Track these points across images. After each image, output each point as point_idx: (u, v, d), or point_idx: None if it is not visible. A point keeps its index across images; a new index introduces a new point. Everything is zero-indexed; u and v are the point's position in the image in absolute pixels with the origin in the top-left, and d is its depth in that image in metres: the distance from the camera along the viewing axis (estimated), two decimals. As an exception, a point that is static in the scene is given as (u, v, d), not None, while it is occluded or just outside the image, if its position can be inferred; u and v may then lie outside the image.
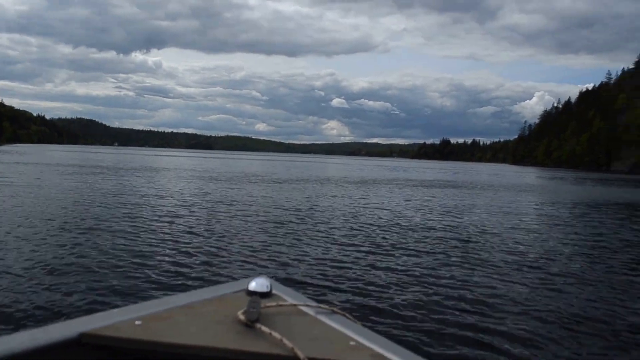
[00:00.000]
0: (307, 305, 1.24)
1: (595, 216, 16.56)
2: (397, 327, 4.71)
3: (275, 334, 1.04)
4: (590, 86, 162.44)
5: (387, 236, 10.13)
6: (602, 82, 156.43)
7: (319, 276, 6.50)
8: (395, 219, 13.11)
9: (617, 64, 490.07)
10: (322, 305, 1.24)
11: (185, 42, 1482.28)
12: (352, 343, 1.05)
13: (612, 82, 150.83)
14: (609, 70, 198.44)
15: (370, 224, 11.81)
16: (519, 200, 22.19)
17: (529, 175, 65.41)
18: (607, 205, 21.70)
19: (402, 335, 4.49)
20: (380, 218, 13.12)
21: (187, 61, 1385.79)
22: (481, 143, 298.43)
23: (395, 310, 5.20)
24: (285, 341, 1.01)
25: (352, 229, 10.97)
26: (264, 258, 7.47)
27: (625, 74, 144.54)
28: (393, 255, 8.23)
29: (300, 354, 0.96)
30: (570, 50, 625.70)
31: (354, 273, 6.78)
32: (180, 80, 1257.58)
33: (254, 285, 1.30)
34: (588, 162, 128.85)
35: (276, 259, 7.49)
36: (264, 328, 1.07)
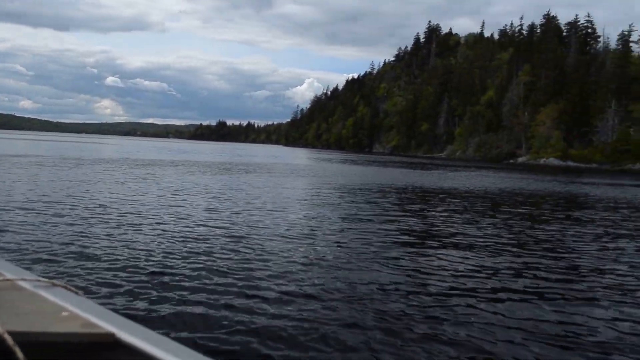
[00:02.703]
0: (24, 280, 1.19)
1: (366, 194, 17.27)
2: (127, 298, 4.85)
3: None
4: (355, 75, 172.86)
5: (145, 216, 9.81)
6: (366, 72, 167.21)
7: (58, 253, 6.48)
8: (159, 200, 12.78)
9: (379, 57, 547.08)
10: (41, 279, 1.20)
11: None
12: (64, 314, 1.03)
13: (375, 72, 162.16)
14: (372, 62, 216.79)
15: (131, 205, 11.39)
16: (295, 182, 21.88)
17: (305, 155, 71.44)
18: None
19: (132, 302, 4.73)
20: (143, 200, 12.61)
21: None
22: (256, 125, 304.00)
23: (131, 286, 5.28)
24: None
25: (113, 210, 10.33)
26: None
27: (387, 66, 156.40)
28: (143, 233, 8.24)
29: (0, 329, 0.91)
30: (338, 41, 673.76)
31: (96, 249, 6.79)
32: None
33: None
34: (353, 144, 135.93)
35: (12, 236, 7.33)
36: None
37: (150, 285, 5.36)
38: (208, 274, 5.91)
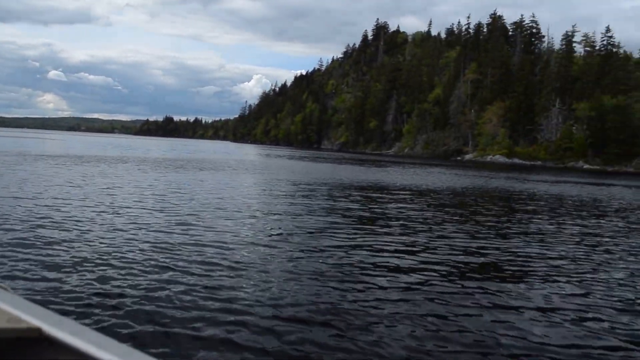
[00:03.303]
0: None
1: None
2: (60, 295, 4.73)
3: None
4: (304, 72, 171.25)
5: (93, 218, 9.23)
6: (314, 68, 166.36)
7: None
8: (108, 200, 11.88)
9: (327, 54, 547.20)
10: None
11: None
12: None
13: (323, 69, 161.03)
14: (320, 58, 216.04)
15: (77, 204, 10.83)
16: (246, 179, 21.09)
17: (255, 151, 71.04)
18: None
19: (65, 299, 4.59)
20: (91, 200, 11.79)
21: None
22: (204, 121, 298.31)
23: (72, 289, 5.06)
24: None
25: (57, 212, 9.52)
26: None
27: (335, 63, 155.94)
28: (89, 234, 7.77)
29: None
30: (286, 38, 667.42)
31: (37, 251, 6.43)
32: None
33: None
34: (301, 140, 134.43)
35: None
36: None
37: (93, 288, 5.13)
38: (158, 277, 5.63)
